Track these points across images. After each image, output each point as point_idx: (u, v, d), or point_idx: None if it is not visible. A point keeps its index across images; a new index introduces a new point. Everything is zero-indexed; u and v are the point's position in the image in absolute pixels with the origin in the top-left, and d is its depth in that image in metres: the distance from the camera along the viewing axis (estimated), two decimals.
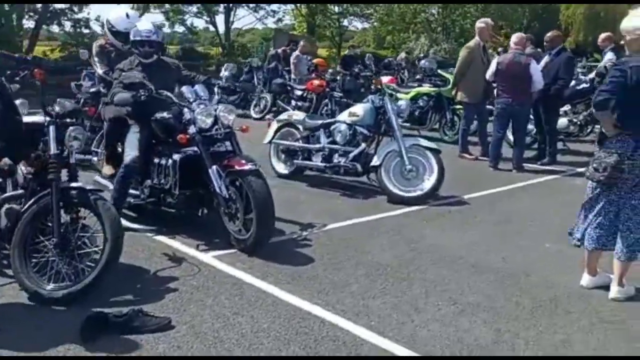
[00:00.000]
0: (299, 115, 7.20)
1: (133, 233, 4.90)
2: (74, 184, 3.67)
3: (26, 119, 3.82)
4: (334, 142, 6.63)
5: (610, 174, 3.67)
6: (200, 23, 28.57)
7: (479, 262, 4.41)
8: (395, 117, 6.30)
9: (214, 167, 4.47)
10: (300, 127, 7.03)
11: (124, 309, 3.29)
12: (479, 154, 8.62)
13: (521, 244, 4.87)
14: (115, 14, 5.75)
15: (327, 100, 12.25)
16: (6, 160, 3.57)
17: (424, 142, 6.32)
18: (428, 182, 6.12)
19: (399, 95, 10.80)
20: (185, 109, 4.61)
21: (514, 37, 7.90)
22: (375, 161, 6.22)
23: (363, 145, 6.47)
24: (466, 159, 8.64)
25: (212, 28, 28.33)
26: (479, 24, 8.73)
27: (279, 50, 16.53)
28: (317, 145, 6.74)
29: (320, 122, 6.90)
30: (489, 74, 7.86)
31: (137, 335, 3.16)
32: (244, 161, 4.41)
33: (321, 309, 3.58)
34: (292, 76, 13.70)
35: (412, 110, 10.59)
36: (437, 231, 5.19)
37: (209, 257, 4.40)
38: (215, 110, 4.63)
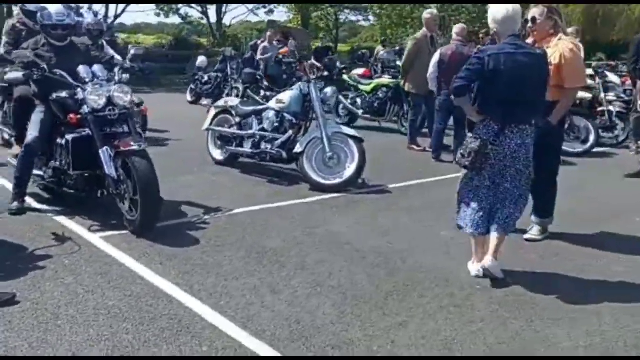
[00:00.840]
0: (234, 102, 7.21)
1: (36, 213, 4.94)
2: None
3: None
4: (264, 129, 6.63)
5: (474, 159, 3.67)
6: (195, 13, 28.36)
7: (364, 247, 4.41)
8: (319, 104, 6.28)
9: (105, 148, 4.49)
10: (235, 113, 7.03)
11: None
12: (428, 145, 8.57)
13: (419, 231, 4.86)
14: None
15: None
16: None
17: (347, 130, 6.31)
18: (348, 170, 6.12)
19: (360, 86, 10.84)
20: (79, 89, 4.61)
21: (456, 28, 7.86)
22: (297, 148, 6.22)
23: (290, 132, 6.48)
24: (414, 150, 8.62)
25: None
26: (425, 14, 8.69)
27: (258, 41, 16.55)
28: (248, 132, 6.74)
29: (251, 108, 6.90)
30: (431, 66, 7.81)
31: None
32: (131, 142, 4.42)
33: (178, 289, 3.59)
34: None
35: (372, 101, 10.67)
36: (342, 218, 5.18)
37: (96, 238, 4.42)
38: (109, 91, 4.62)
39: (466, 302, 3.53)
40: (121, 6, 23.53)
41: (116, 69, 4.96)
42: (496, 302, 3.54)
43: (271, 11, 29.06)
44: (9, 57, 5.21)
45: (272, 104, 6.73)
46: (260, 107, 6.86)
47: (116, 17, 24.06)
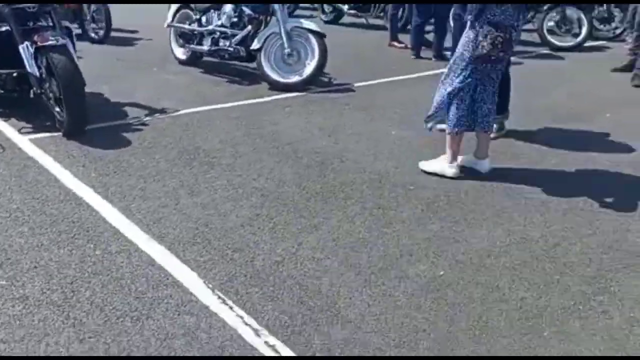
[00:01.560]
0: None
1: None
2: None
3: None
4: (223, 25, 6.21)
5: (504, 46, 3.37)
6: None
7: (306, 148, 4.18)
8: None
9: (25, 44, 4.19)
10: (194, 8, 6.58)
11: None
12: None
13: (370, 131, 4.60)
14: None
15: None
16: None
17: (307, 24, 5.87)
18: (308, 68, 5.78)
19: None
20: None
21: None
22: (255, 44, 5.83)
23: (249, 27, 6.06)
24: (395, 47, 8.17)
25: None
26: None
27: None
28: (207, 28, 6.33)
29: (209, 4, 6.42)
30: None
31: None
32: (50, 37, 4.09)
33: (92, 191, 3.44)
34: None
35: None
36: (293, 118, 4.92)
37: (24, 140, 4.23)
38: None
39: (392, 204, 3.33)
40: None
41: None
42: (424, 204, 3.34)
43: None
44: None
45: None
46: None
47: None
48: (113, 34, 8.32)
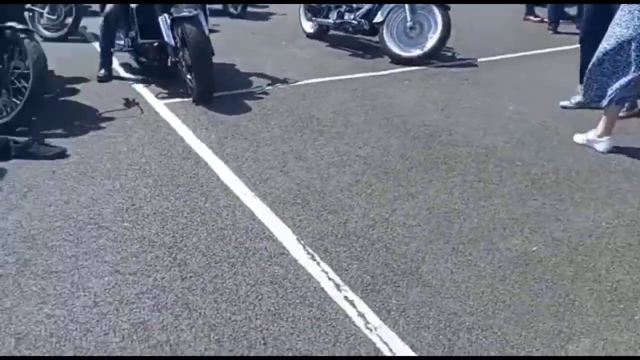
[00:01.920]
0: None
1: (120, 81, 5.31)
2: (7, 24, 4.03)
3: None
4: None
5: None
6: None
7: (416, 120, 4.21)
8: None
9: (163, 15, 4.59)
10: None
11: (26, 138, 3.71)
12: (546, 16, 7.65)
13: (486, 107, 4.50)
14: None
15: None
16: None
17: None
18: (430, 41, 5.71)
19: None
20: None
21: None
22: (377, 17, 5.88)
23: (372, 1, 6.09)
24: (530, 21, 7.78)
25: None
26: None
27: None
28: (334, 3, 6.48)
29: None
30: None
31: (31, 159, 3.56)
32: (184, 9, 4.46)
33: (211, 152, 3.74)
34: None
35: None
36: (409, 91, 4.94)
37: (160, 104, 4.67)
38: None
39: (494, 178, 3.26)
40: None
41: None
42: (529, 180, 3.23)
43: None
44: None
45: None
46: None
47: None
48: (251, 9, 8.77)
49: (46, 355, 2.00)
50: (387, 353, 2.01)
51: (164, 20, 4.58)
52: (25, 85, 3.99)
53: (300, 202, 3.06)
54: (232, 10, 8.77)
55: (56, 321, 2.17)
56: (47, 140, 3.79)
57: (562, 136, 3.85)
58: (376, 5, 6.02)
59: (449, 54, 6.11)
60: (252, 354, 2.01)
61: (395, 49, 5.81)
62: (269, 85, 5.16)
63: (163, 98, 4.80)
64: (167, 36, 4.58)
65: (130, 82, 5.27)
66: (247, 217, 2.92)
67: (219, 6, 8.86)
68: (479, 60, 5.90)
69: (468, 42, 6.30)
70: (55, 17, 7.12)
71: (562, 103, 4.39)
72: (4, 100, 4.06)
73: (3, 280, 2.41)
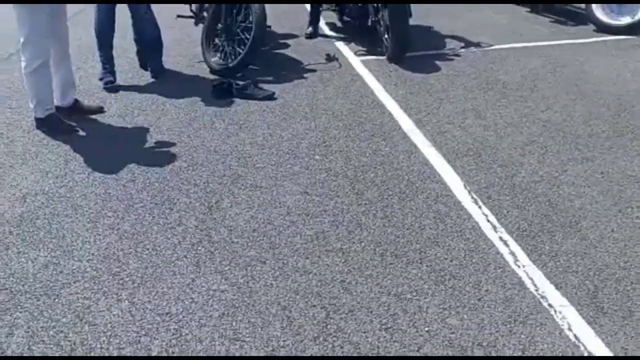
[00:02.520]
0: None
1: (325, 38, 5.87)
2: None
3: None
4: None
5: None
6: None
7: (606, 89, 4.12)
8: None
9: None
10: None
11: (244, 81, 4.39)
12: None
13: None
14: None
15: None
16: None
17: None
18: None
19: None
20: None
21: None
22: None
23: None
24: None
25: None
26: None
27: None
28: None
29: None
30: None
31: (247, 99, 4.24)
32: None
33: (397, 104, 4.08)
34: None
35: None
36: (606, 60, 4.76)
37: (356, 60, 5.11)
38: None
39: None
40: None
41: None
42: None
43: None
44: None
45: None
46: None
47: None
48: None
49: None
50: (531, 288, 2.20)
51: None
52: (248, 37, 4.67)
53: (472, 155, 3.27)
54: None
55: (257, 222, 2.72)
56: (261, 85, 4.43)
57: None
58: None
59: None
60: (409, 270, 2.35)
61: (602, 16, 5.54)
62: (462, 48, 5.31)
63: (360, 55, 5.22)
64: None
65: (333, 40, 5.78)
66: (420, 162, 3.22)
67: None
68: None
69: None
70: None
71: None
72: (230, 49, 4.80)
73: (221, 187, 3.04)
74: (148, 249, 2.55)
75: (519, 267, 2.31)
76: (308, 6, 6.11)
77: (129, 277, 2.37)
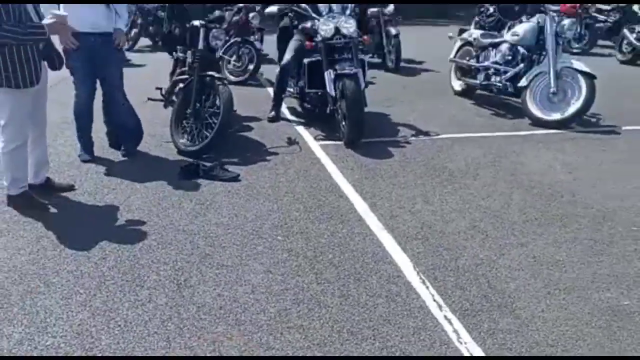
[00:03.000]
0: (476, 34, 7.43)
1: (286, 122, 6.28)
2: (208, 73, 5.12)
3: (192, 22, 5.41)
4: (497, 62, 6.81)
5: None
6: None
7: (542, 180, 4.57)
8: (552, 37, 6.16)
9: (329, 70, 5.44)
10: (475, 45, 7.31)
11: (210, 163, 4.68)
12: None
13: (616, 172, 4.72)
14: None
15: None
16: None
17: (578, 65, 6.05)
18: (572, 107, 5.99)
19: None
20: (316, 20, 5.60)
21: None
22: (522, 82, 6.29)
23: (521, 65, 6.53)
24: None
25: None
26: None
27: None
28: (482, 64, 7.00)
29: (489, 41, 7.07)
30: None
31: (213, 180, 4.51)
32: (346, 67, 5.27)
33: (352, 189, 4.42)
34: None
35: None
36: (542, 152, 5.27)
37: (316, 145, 5.50)
38: (337, 22, 5.47)
39: (606, 239, 3.55)
40: None
41: (350, 5, 5.76)
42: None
43: None
44: None
45: (507, 36, 6.79)
46: (497, 40, 6.98)
47: None
48: (406, 64, 9.55)
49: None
50: None
51: (329, 75, 5.42)
52: (215, 121, 5.01)
53: (420, 238, 3.60)
54: (389, 64, 9.60)
55: (224, 299, 2.93)
56: (226, 166, 4.73)
57: None
58: (523, 69, 6.42)
59: (593, 120, 6.31)
60: (364, 346, 2.59)
61: (536, 112, 6.15)
62: (412, 135, 5.79)
63: (319, 139, 5.63)
64: (330, 88, 5.41)
65: (294, 124, 6.20)
66: (374, 244, 3.53)
67: (378, 60, 9.76)
68: (624, 128, 6.02)
69: (619, 110, 6.46)
70: (240, 64, 8.45)
71: None
72: (198, 131, 5.12)
73: (190, 266, 3.25)
74: (120, 326, 2.72)
75: (461, 343, 2.59)
76: (271, 91, 6.54)
77: (101, 353, 2.53)
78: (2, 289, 2.99)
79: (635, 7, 10.27)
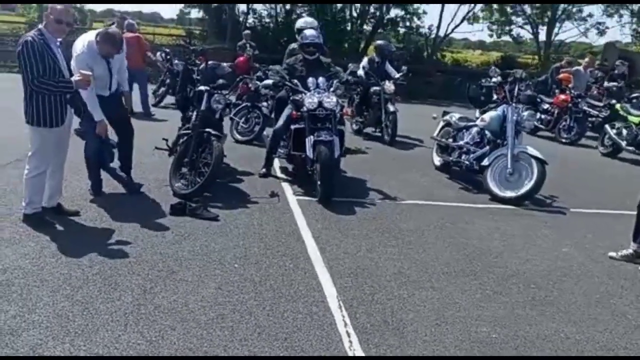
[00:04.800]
0: (454, 117, 8.33)
1: (274, 179, 7.14)
2: (206, 130, 6.06)
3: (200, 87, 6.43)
4: (468, 143, 7.67)
5: None
6: (526, 34, 28.98)
7: (475, 243, 5.28)
8: (512, 125, 7.01)
9: (309, 137, 6.33)
10: (453, 126, 8.20)
11: (196, 204, 5.54)
12: None
13: (544, 244, 5.43)
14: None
15: (566, 116, 12.49)
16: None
17: (532, 151, 6.84)
18: (525, 187, 6.73)
19: (629, 117, 10.54)
20: (302, 94, 6.55)
21: None
22: (485, 161, 7.10)
23: (487, 147, 7.37)
24: None
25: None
26: None
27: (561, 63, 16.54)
28: (455, 144, 7.86)
29: (463, 124, 7.96)
30: None
31: (195, 218, 5.35)
32: (324, 134, 6.16)
33: (311, 236, 5.19)
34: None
35: (637, 134, 10.26)
36: (487, 223, 6.00)
37: (293, 199, 6.33)
38: (321, 97, 6.40)
39: (504, 291, 4.24)
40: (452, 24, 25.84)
41: (335, 81, 6.72)
42: (530, 295, 4.15)
43: (603, 32, 27.47)
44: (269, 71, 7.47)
45: (478, 121, 7.68)
46: (470, 124, 7.86)
47: (445, 35, 26.44)
48: (402, 139, 10.46)
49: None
50: None
51: (309, 141, 6.30)
52: (207, 170, 5.90)
53: (351, 276, 4.35)
54: (385, 137, 10.52)
55: (177, 304, 3.70)
56: (210, 209, 5.58)
57: (592, 276, 4.66)
58: (488, 151, 7.26)
59: (548, 200, 7.04)
60: (275, 344, 3.32)
61: (494, 189, 6.92)
62: (379, 199, 6.58)
63: (298, 195, 6.46)
64: (309, 152, 6.28)
65: (281, 180, 7.06)
66: (312, 277, 4.28)
67: (378, 133, 10.71)
68: (572, 210, 6.73)
69: (575, 194, 7.22)
70: (247, 126, 9.48)
71: (611, 254, 5.15)
72: (192, 178, 6.01)
73: (158, 278, 4.04)
74: (91, 313, 3.51)
75: (350, 350, 3.31)
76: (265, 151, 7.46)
77: (72, 329, 3.31)
78: (6, 281, 3.82)
79: (617, 106, 11.12)
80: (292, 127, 6.67)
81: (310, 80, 6.68)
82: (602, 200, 7.30)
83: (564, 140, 12.13)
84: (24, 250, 4.33)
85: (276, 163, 7.50)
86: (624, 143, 10.52)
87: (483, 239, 5.43)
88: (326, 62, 7.20)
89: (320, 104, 6.42)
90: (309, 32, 7.07)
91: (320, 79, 6.70)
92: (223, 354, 3.21)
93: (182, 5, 28.26)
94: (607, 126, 10.99)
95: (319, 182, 6.23)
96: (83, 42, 5.29)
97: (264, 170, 7.13)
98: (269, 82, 6.96)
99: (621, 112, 10.85)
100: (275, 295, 3.94)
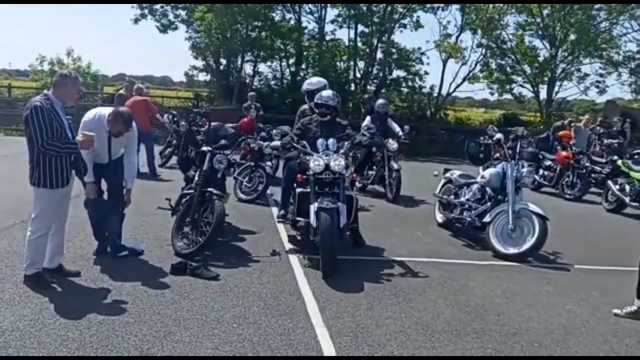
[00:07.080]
0: (456, 174, 8.40)
1: (278, 237, 7.15)
2: (209, 189, 6.14)
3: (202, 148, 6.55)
4: (469, 200, 7.70)
5: None
6: (527, 92, 29.43)
7: (477, 300, 5.24)
8: (512, 182, 7.06)
9: (314, 204, 6.05)
10: (454, 183, 8.26)
11: (197, 263, 5.55)
12: None
13: (547, 303, 5.36)
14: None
15: (569, 172, 12.57)
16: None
17: (533, 208, 6.85)
18: (527, 244, 6.71)
19: (632, 173, 10.60)
20: (309, 156, 6.49)
21: None
22: (486, 218, 7.11)
23: (488, 204, 7.40)
24: None
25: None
26: None
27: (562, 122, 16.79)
28: (457, 200, 7.90)
29: (464, 181, 8.02)
30: None
31: (196, 277, 5.36)
32: (327, 202, 6.00)
33: (311, 293, 5.17)
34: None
35: None
36: (489, 280, 5.95)
37: (294, 258, 6.32)
38: (328, 160, 6.16)
39: (507, 350, 4.18)
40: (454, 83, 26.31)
41: (346, 143, 6.58)
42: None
43: (603, 91, 27.85)
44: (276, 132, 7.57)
45: (478, 178, 7.74)
46: (470, 181, 7.92)
47: (448, 94, 26.91)
48: (405, 195, 10.50)
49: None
50: None
51: (313, 207, 6.12)
52: (208, 229, 5.94)
53: (351, 335, 4.30)
54: (388, 195, 10.57)
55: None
56: (210, 268, 5.58)
57: (596, 334, 4.60)
58: (489, 207, 7.28)
59: (552, 257, 7.00)
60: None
61: (497, 245, 6.90)
62: (381, 256, 6.57)
63: (299, 254, 6.45)
64: (313, 219, 6.12)
65: (283, 240, 7.07)
66: (310, 337, 4.23)
67: (382, 190, 10.78)
68: (577, 266, 6.67)
69: (578, 251, 7.18)
70: (250, 185, 9.58)
71: (615, 311, 5.08)
72: (194, 237, 6.05)
73: (154, 339, 4.02)
74: None
75: None
76: (275, 210, 7.44)
77: None
78: (4, 344, 3.82)
79: (619, 162, 11.18)
80: (297, 190, 6.47)
81: (320, 141, 6.42)
82: (606, 257, 7.25)
83: (567, 196, 12.14)
84: (23, 311, 4.33)
85: (281, 229, 7.41)
86: (627, 199, 10.51)
87: (485, 297, 5.38)
88: (344, 123, 7.01)
89: (327, 166, 6.15)
90: (325, 93, 6.86)
91: (330, 140, 6.42)
92: None
93: (187, 67, 28.92)
94: (609, 182, 11.02)
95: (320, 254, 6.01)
96: (95, 112, 5.49)
97: (281, 212, 6.82)
98: (276, 143, 7.05)
99: (623, 168, 10.90)
100: (272, 352, 3.89)
